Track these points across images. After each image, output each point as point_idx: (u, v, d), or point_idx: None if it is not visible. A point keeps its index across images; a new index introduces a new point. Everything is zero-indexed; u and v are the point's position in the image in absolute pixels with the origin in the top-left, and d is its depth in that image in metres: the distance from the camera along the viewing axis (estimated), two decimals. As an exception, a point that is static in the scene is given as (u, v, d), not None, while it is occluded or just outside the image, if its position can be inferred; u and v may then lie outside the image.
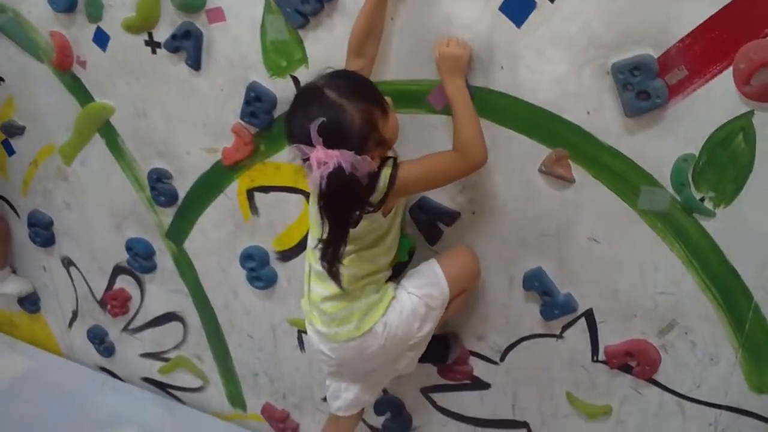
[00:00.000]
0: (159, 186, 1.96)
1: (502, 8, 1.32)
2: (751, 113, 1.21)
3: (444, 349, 1.68)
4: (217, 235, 1.95)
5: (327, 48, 1.52)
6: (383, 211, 1.36)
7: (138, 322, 2.33)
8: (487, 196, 1.51)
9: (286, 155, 1.69)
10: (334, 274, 1.34)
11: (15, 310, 2.63)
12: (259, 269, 1.91)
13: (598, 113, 1.32)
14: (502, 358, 1.69)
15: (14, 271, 2.51)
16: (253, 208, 1.84)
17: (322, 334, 1.48)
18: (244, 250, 1.92)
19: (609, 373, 1.56)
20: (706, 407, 1.49)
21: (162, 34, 1.71)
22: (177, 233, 2.03)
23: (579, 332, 1.55)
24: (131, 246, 2.14)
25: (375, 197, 1.31)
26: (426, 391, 1.85)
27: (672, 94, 1.25)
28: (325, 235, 1.30)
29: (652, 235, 1.38)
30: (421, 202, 1.58)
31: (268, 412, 2.20)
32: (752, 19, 1.15)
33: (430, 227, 1.60)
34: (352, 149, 1.19)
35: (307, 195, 1.72)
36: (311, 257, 1.46)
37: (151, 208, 2.03)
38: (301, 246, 1.81)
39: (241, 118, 1.70)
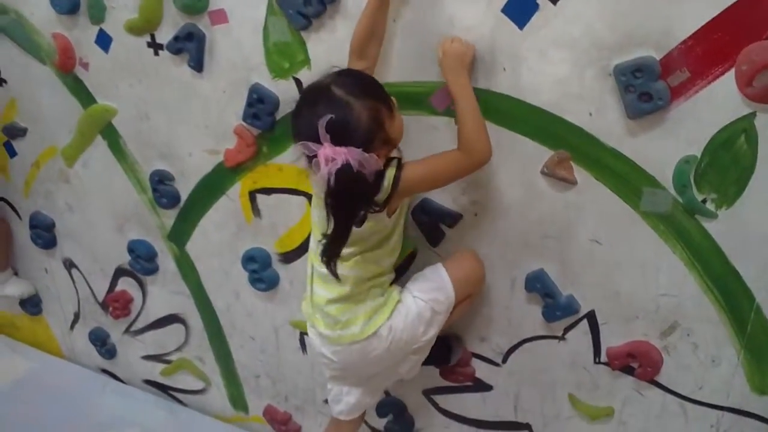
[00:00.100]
0: (161, 188, 1.96)
1: (505, 10, 1.33)
2: (753, 115, 1.21)
3: (446, 351, 1.68)
4: (219, 237, 1.95)
5: (329, 50, 1.52)
6: (388, 211, 1.36)
7: (140, 324, 2.33)
8: (490, 198, 1.51)
9: (288, 157, 1.70)
10: (331, 270, 1.35)
11: (17, 312, 2.63)
12: (261, 271, 1.91)
13: (601, 115, 1.33)
14: (504, 360, 1.69)
15: (16, 273, 2.51)
16: (256, 210, 1.84)
17: (325, 337, 1.47)
18: (246, 251, 1.92)
19: (611, 374, 1.56)
20: (708, 409, 1.49)
21: (164, 36, 1.72)
22: (179, 235, 2.03)
23: (581, 334, 1.55)
24: (133, 248, 2.14)
25: (380, 197, 1.31)
26: (428, 393, 1.85)
27: (674, 95, 1.25)
28: (329, 231, 1.29)
29: (654, 236, 1.38)
30: (423, 204, 1.58)
31: (270, 414, 2.20)
32: (754, 21, 1.15)
33: (432, 229, 1.60)
34: (359, 147, 1.20)
35: (309, 197, 1.72)
36: (314, 259, 1.46)
37: (153, 210, 2.03)
38: (303, 248, 1.81)
39: (244, 119, 1.70)
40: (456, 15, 1.37)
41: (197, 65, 1.70)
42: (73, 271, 2.37)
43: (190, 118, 1.80)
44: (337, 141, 1.19)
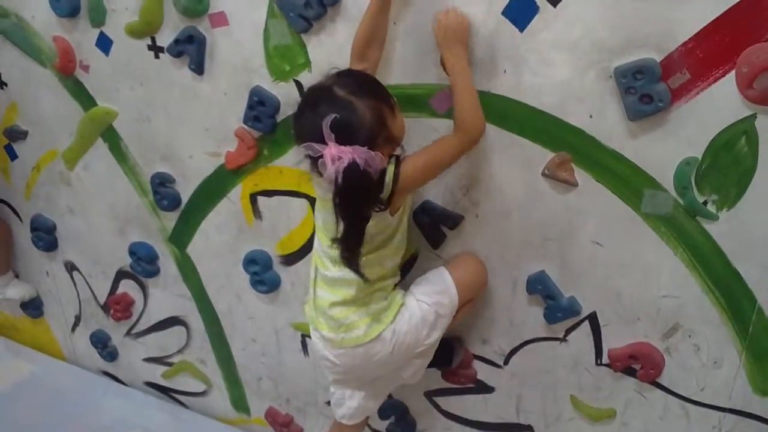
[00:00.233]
0: (162, 190, 1.96)
1: (505, 12, 1.33)
2: (753, 116, 1.21)
3: (448, 354, 1.67)
4: (221, 240, 1.95)
5: (330, 52, 1.52)
6: (391, 210, 1.36)
7: (141, 327, 2.33)
8: (491, 200, 1.51)
9: (289, 159, 1.70)
10: (356, 271, 1.34)
11: (18, 314, 2.63)
12: (262, 273, 1.91)
13: (601, 117, 1.33)
14: (506, 362, 1.69)
15: (17, 276, 2.51)
16: (257, 212, 1.84)
17: (328, 340, 1.47)
18: (247, 254, 1.92)
19: (613, 376, 1.56)
20: (710, 410, 1.49)
21: (165, 39, 1.72)
22: (180, 237, 2.04)
23: (583, 335, 1.55)
24: (134, 250, 2.14)
25: (383, 195, 1.31)
26: (430, 395, 1.85)
27: (675, 97, 1.25)
28: (339, 234, 1.29)
29: (655, 238, 1.38)
30: (424, 206, 1.58)
31: (271, 416, 2.20)
32: (754, 22, 1.15)
33: (433, 231, 1.60)
34: (364, 145, 1.20)
35: (310, 199, 1.72)
36: (319, 262, 1.46)
37: (154, 212, 2.03)
38: (304, 250, 1.81)
39: (245, 122, 1.70)
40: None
41: (198, 68, 1.70)
42: (75, 273, 2.37)
43: (191, 121, 1.81)
44: (341, 140, 1.19)
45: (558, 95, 1.35)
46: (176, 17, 1.67)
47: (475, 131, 1.34)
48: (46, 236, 2.33)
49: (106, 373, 2.55)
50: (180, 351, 2.28)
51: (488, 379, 1.73)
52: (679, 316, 1.43)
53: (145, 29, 1.73)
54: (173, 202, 1.97)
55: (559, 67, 1.32)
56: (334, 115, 1.19)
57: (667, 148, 1.30)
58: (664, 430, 1.56)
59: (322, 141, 1.20)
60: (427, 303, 1.47)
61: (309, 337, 1.90)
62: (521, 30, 1.33)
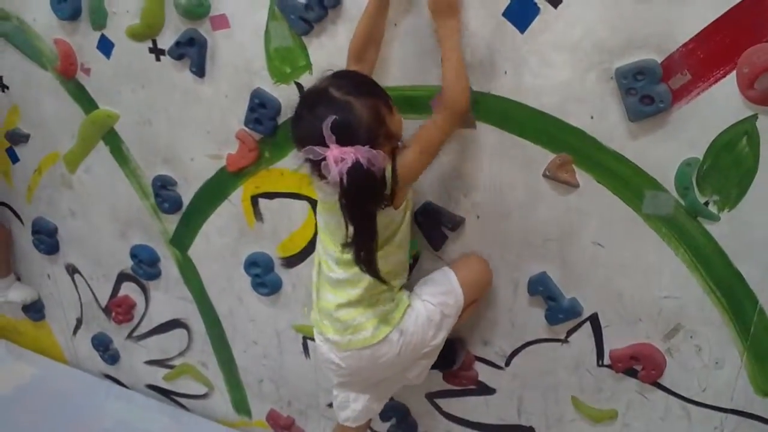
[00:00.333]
0: (163, 193, 1.96)
1: (506, 14, 1.33)
2: (754, 117, 1.21)
3: (450, 355, 1.67)
4: (222, 242, 1.95)
5: (331, 54, 1.52)
6: (395, 204, 1.36)
7: (142, 330, 2.33)
8: (492, 201, 1.51)
9: (290, 161, 1.70)
10: (374, 272, 1.33)
11: (19, 317, 2.64)
12: (263, 275, 1.91)
13: (602, 118, 1.33)
14: (508, 363, 1.69)
15: (18, 279, 2.51)
16: (258, 215, 1.85)
17: (334, 343, 1.46)
18: (248, 256, 1.92)
19: (614, 377, 1.56)
20: (712, 411, 1.49)
21: (166, 41, 1.72)
22: (181, 240, 2.04)
23: (584, 337, 1.55)
24: (136, 253, 2.14)
25: (387, 191, 1.31)
26: (431, 397, 1.85)
27: (675, 98, 1.25)
28: (350, 238, 1.29)
29: (656, 239, 1.38)
30: (425, 207, 1.58)
31: (273, 419, 2.20)
32: (755, 23, 1.15)
33: (434, 232, 1.60)
34: (365, 144, 1.21)
35: (311, 201, 1.72)
36: (324, 264, 1.45)
37: (156, 215, 2.03)
38: (305, 252, 1.81)
39: (246, 124, 1.71)
40: (457, 18, 1.37)
41: (199, 70, 1.70)
42: (76, 276, 2.37)
43: (192, 123, 1.81)
44: (342, 141, 1.19)
45: (559, 96, 1.35)
46: (177, 20, 1.67)
47: (459, 105, 1.32)
48: (47, 239, 2.33)
49: (108, 376, 2.55)
50: (181, 354, 2.28)
51: (489, 381, 1.73)
52: (680, 317, 1.43)
53: (146, 32, 1.73)
54: (174, 205, 1.97)
55: (559, 68, 1.32)
56: (333, 117, 1.19)
57: (668, 149, 1.30)
58: (665, 431, 1.56)
59: (323, 144, 1.20)
60: (432, 303, 1.46)
61: (310, 339, 1.91)
62: (522, 31, 1.33)
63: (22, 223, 2.38)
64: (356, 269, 1.36)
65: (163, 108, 1.84)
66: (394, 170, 1.30)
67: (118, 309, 2.30)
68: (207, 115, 1.77)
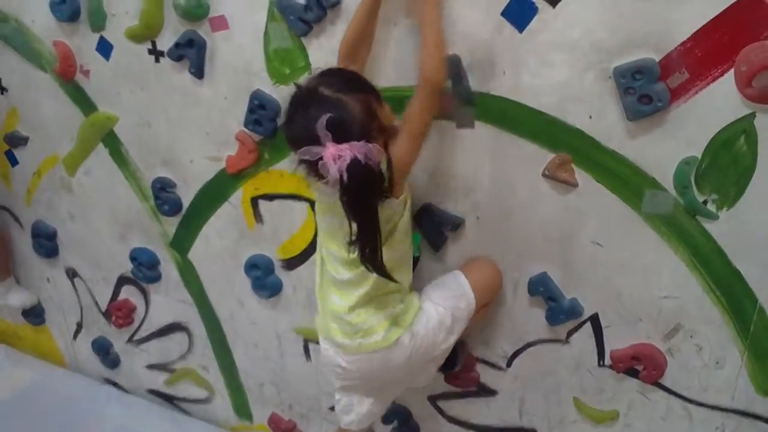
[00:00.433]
0: (163, 195, 1.97)
1: (504, 13, 1.33)
2: (752, 115, 1.21)
3: (452, 356, 1.66)
4: (222, 244, 1.95)
5: (330, 55, 1.51)
6: (395, 194, 1.35)
7: (143, 333, 2.32)
8: (491, 202, 1.51)
9: (290, 163, 1.70)
10: (379, 268, 1.33)
11: (19, 322, 2.64)
12: (264, 278, 1.91)
13: (601, 117, 1.33)
14: (509, 364, 1.68)
15: (18, 282, 2.51)
16: (258, 216, 1.84)
17: (342, 346, 1.44)
18: (248, 258, 1.92)
19: (615, 377, 1.55)
20: (713, 411, 1.48)
21: (165, 43, 1.73)
22: (181, 242, 2.04)
23: (585, 337, 1.55)
24: (135, 256, 2.14)
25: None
26: (433, 399, 1.84)
27: (674, 97, 1.25)
28: (354, 235, 1.28)
29: (655, 238, 1.38)
30: (425, 208, 1.58)
31: (274, 422, 2.19)
32: (753, 21, 1.15)
33: (434, 233, 1.60)
34: (360, 140, 1.20)
35: (311, 202, 1.72)
36: (329, 267, 1.44)
37: (155, 217, 2.03)
38: (306, 253, 1.81)
39: (245, 126, 1.71)
40: (456, 18, 1.37)
41: (198, 72, 1.71)
42: (76, 280, 2.37)
43: (192, 125, 1.81)
44: (338, 138, 1.19)
45: (557, 96, 1.35)
46: (176, 21, 1.68)
47: (435, 79, 1.31)
48: (47, 242, 2.33)
49: (108, 381, 2.54)
50: (182, 357, 2.27)
51: (491, 382, 1.73)
52: (680, 317, 1.43)
53: (145, 33, 1.74)
54: (174, 207, 1.97)
55: (558, 67, 1.32)
56: (327, 115, 1.19)
57: (666, 148, 1.30)
58: (666, 431, 1.56)
59: (318, 143, 1.20)
60: (443, 307, 1.46)
61: (311, 341, 1.91)
62: (520, 31, 1.33)
63: (22, 226, 2.38)
64: (362, 268, 1.36)
65: (162, 110, 1.84)
66: (389, 161, 1.30)
67: (119, 313, 2.30)
68: (206, 117, 1.77)
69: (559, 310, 1.54)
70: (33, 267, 2.45)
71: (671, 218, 1.35)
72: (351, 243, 1.30)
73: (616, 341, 1.52)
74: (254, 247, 1.90)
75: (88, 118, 1.99)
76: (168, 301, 2.18)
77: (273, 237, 1.85)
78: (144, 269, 2.14)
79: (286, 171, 1.72)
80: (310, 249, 1.78)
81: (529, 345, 1.63)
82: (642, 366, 1.51)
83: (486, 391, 1.75)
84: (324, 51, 1.53)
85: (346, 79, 1.30)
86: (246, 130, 1.71)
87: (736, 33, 1.17)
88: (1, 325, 2.72)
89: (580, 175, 1.39)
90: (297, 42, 1.55)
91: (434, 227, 1.59)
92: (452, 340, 1.49)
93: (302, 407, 2.11)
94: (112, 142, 1.99)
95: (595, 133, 1.35)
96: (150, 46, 1.75)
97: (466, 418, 1.82)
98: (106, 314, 2.36)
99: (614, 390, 1.57)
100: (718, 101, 1.22)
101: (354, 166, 1.19)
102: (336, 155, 1.19)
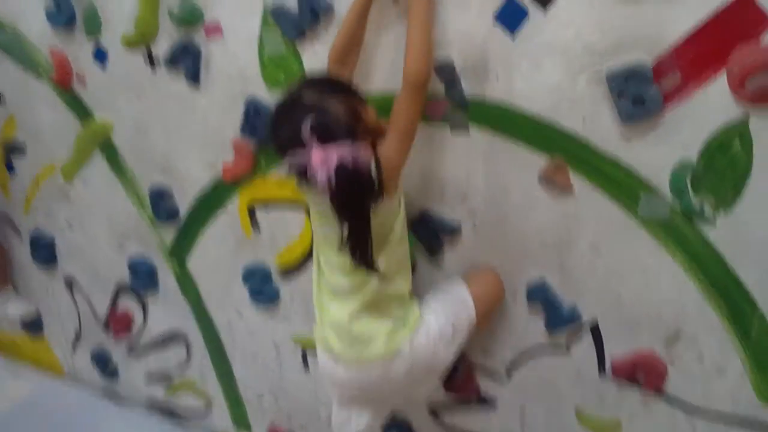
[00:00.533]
0: (160, 203, 1.96)
1: (497, 18, 1.33)
2: (746, 117, 1.20)
3: (452, 368, 1.65)
4: (219, 252, 1.95)
5: (324, 60, 1.50)
6: (388, 194, 1.34)
7: (141, 344, 2.32)
8: (487, 207, 1.50)
9: (285, 169, 1.69)
10: (371, 266, 1.32)
11: (18, 332, 2.63)
12: (261, 286, 1.91)
13: (595, 120, 1.32)
14: (509, 374, 1.67)
15: (16, 292, 2.51)
16: (255, 224, 1.84)
17: (341, 357, 1.42)
18: (246, 266, 1.91)
19: (616, 386, 1.53)
20: (716, 418, 1.46)
21: (160, 50, 1.73)
22: (179, 251, 2.03)
23: (585, 345, 1.53)
24: (133, 265, 2.14)
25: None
26: (433, 410, 1.82)
27: (667, 100, 1.24)
28: (346, 236, 1.28)
29: (653, 243, 1.36)
30: (422, 215, 1.57)
31: (272, 432, 2.18)
32: (744, 23, 1.15)
33: (431, 240, 1.59)
34: (346, 141, 1.20)
35: (308, 209, 1.71)
36: (328, 276, 1.43)
37: (153, 225, 2.03)
38: (303, 261, 1.80)
39: (241, 132, 1.71)
40: (448, 23, 1.38)
41: (194, 79, 1.71)
42: (74, 289, 2.37)
43: (188, 132, 1.81)
44: (324, 141, 1.19)
45: (550, 100, 1.34)
46: (171, 28, 1.68)
47: (418, 76, 1.30)
48: (45, 252, 2.33)
49: (107, 391, 2.53)
50: (180, 368, 2.27)
51: (491, 392, 1.71)
52: (680, 323, 1.41)
53: (140, 40, 1.75)
54: (171, 215, 1.97)
55: (550, 71, 1.32)
56: (310, 118, 1.19)
57: (661, 151, 1.29)
58: (668, 440, 1.54)
59: (304, 147, 1.20)
60: (444, 317, 1.44)
61: (310, 351, 1.90)
62: (512, 35, 1.33)
63: (20, 235, 2.39)
64: (361, 274, 1.35)
65: (158, 117, 1.84)
66: (378, 162, 1.29)
67: (117, 322, 2.29)
68: (202, 124, 1.77)
69: (559, 317, 1.52)
70: (32, 277, 2.45)
71: (668, 222, 1.34)
72: (341, 245, 1.29)
73: (616, 349, 1.50)
74: (252, 255, 1.89)
75: (84, 126, 1.99)
76: (166, 311, 2.18)
77: (270, 245, 1.85)
78: (142, 278, 2.14)
79: (282, 177, 1.72)
80: (308, 257, 1.77)
81: (528, 353, 1.62)
82: (643, 374, 1.49)
83: (486, 402, 1.73)
84: (318, 57, 1.53)
85: (328, 83, 1.32)
86: (242, 137, 1.71)
87: (728, 35, 1.17)
88: (-1, 336, 2.73)
89: (576, 180, 1.38)
90: (291, 48, 1.56)
91: (431, 233, 1.58)
92: (453, 351, 1.47)
93: (301, 418, 2.09)
94: (109, 149, 1.99)
95: (589, 137, 1.34)
96: (145, 54, 1.76)
97: (466, 428, 1.80)
98: (105, 324, 2.36)
99: (615, 399, 1.55)
100: (712, 103, 1.21)
101: (342, 168, 1.18)
102: (323, 158, 1.18)
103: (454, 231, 1.56)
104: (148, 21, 1.70)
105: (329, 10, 1.47)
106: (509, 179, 1.45)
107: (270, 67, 1.60)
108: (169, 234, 2.02)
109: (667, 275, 1.38)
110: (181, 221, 1.98)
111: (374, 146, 1.30)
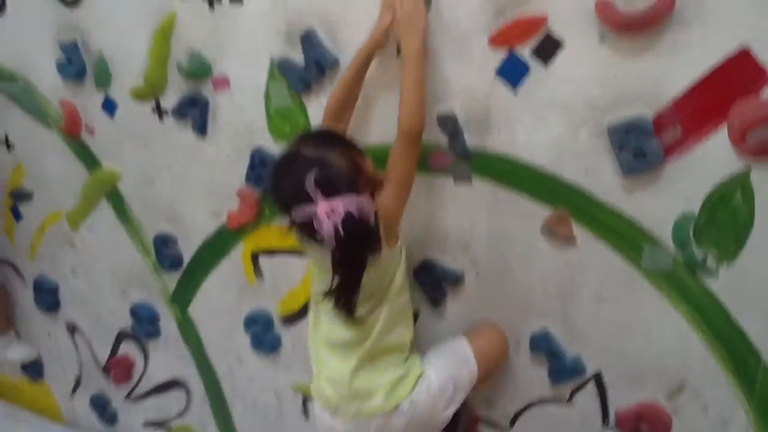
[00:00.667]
0: (164, 250, 1.97)
1: (499, 72, 1.35)
2: (747, 170, 1.22)
3: (453, 419, 1.63)
4: (222, 300, 1.95)
5: (330, 113, 1.55)
6: (388, 242, 1.34)
7: (141, 390, 2.30)
8: (490, 257, 1.51)
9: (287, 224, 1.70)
10: (351, 313, 1.32)
11: (18, 376, 2.61)
12: (263, 333, 1.90)
13: (597, 173, 1.34)
14: (512, 425, 1.65)
15: (18, 336, 2.50)
16: (258, 272, 1.84)
17: (340, 410, 1.41)
18: (248, 314, 1.91)
19: (620, 438, 1.52)
20: (721, 473, 1.45)
21: (169, 102, 1.76)
22: (181, 297, 2.03)
23: (588, 396, 1.52)
24: (135, 311, 2.13)
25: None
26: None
27: (668, 153, 1.26)
28: (335, 285, 1.28)
29: (656, 294, 1.37)
30: (424, 264, 1.58)
31: (272, 481, 2.15)
32: (744, 78, 1.17)
33: (433, 289, 1.59)
34: (349, 193, 1.21)
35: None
36: (326, 328, 1.43)
37: (156, 273, 2.04)
38: (305, 310, 1.78)
39: (246, 182, 1.72)
40: (451, 78, 1.40)
41: (201, 130, 1.73)
42: (76, 335, 2.36)
43: (194, 182, 1.83)
44: (327, 194, 1.20)
45: (553, 152, 1.36)
46: (180, 81, 1.71)
47: (413, 126, 1.32)
48: (48, 297, 2.33)
49: (106, 438, 2.51)
50: (180, 415, 2.24)
51: (493, 443, 1.69)
52: (684, 374, 1.40)
53: (149, 93, 1.77)
54: (175, 262, 1.98)
55: (552, 124, 1.34)
56: (314, 172, 1.19)
57: (663, 204, 1.30)
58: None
59: (308, 201, 1.20)
60: (445, 374, 1.43)
61: (310, 400, 1.88)
62: (514, 89, 1.35)
63: (24, 280, 2.39)
64: (362, 328, 1.35)
65: (165, 167, 1.86)
66: (376, 212, 1.29)
67: (117, 368, 2.28)
68: (209, 174, 1.79)
69: (562, 368, 1.51)
70: (34, 321, 2.44)
71: (671, 274, 1.34)
72: (327, 293, 1.30)
73: (620, 399, 1.49)
74: (254, 302, 1.89)
75: (92, 174, 2.01)
76: (167, 357, 2.17)
77: (273, 292, 1.85)
78: (144, 325, 2.13)
79: (286, 226, 1.72)
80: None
81: (532, 404, 1.60)
82: (647, 426, 1.47)
83: (489, 453, 1.71)
84: (323, 109, 1.55)
85: (326, 137, 1.33)
86: (247, 187, 1.73)
87: (728, 89, 1.19)
88: (-1, 380, 2.71)
89: (579, 231, 1.39)
90: (297, 101, 1.58)
91: (433, 282, 1.59)
92: (452, 409, 1.45)
93: (301, 467, 2.07)
94: (115, 198, 2.00)
95: (591, 189, 1.35)
96: (154, 105, 1.79)
97: (469, 480, 1.78)
98: (105, 370, 2.34)
99: (620, 451, 1.54)
100: (713, 156, 1.23)
101: (349, 219, 1.19)
102: (329, 210, 1.19)
103: (457, 280, 1.56)
104: (157, 74, 1.73)
105: (335, 63, 1.50)
106: (512, 230, 1.46)
107: (276, 119, 1.62)
108: (172, 281, 2.02)
109: (670, 326, 1.38)
110: (185, 268, 1.98)
111: (373, 197, 1.30)
